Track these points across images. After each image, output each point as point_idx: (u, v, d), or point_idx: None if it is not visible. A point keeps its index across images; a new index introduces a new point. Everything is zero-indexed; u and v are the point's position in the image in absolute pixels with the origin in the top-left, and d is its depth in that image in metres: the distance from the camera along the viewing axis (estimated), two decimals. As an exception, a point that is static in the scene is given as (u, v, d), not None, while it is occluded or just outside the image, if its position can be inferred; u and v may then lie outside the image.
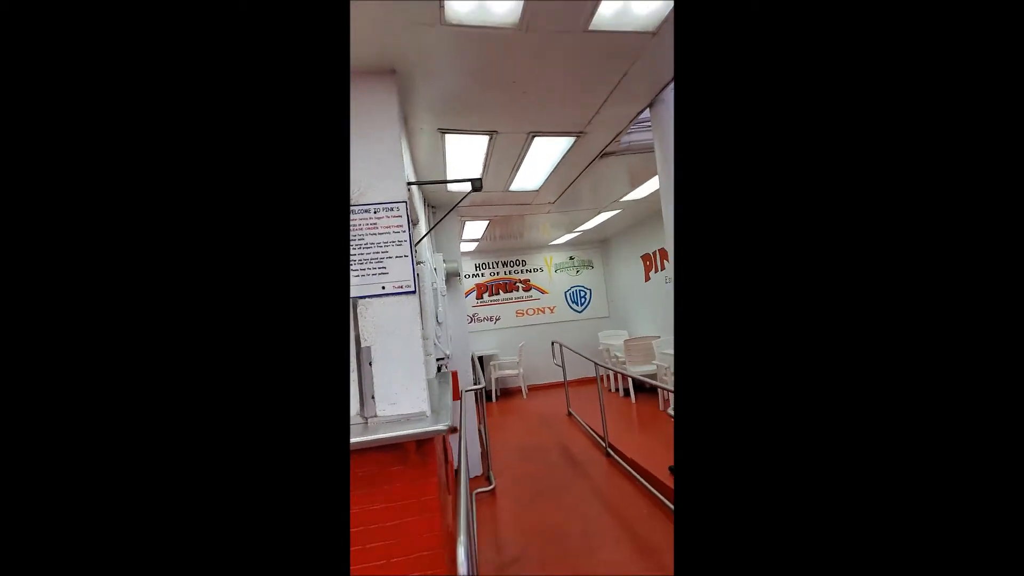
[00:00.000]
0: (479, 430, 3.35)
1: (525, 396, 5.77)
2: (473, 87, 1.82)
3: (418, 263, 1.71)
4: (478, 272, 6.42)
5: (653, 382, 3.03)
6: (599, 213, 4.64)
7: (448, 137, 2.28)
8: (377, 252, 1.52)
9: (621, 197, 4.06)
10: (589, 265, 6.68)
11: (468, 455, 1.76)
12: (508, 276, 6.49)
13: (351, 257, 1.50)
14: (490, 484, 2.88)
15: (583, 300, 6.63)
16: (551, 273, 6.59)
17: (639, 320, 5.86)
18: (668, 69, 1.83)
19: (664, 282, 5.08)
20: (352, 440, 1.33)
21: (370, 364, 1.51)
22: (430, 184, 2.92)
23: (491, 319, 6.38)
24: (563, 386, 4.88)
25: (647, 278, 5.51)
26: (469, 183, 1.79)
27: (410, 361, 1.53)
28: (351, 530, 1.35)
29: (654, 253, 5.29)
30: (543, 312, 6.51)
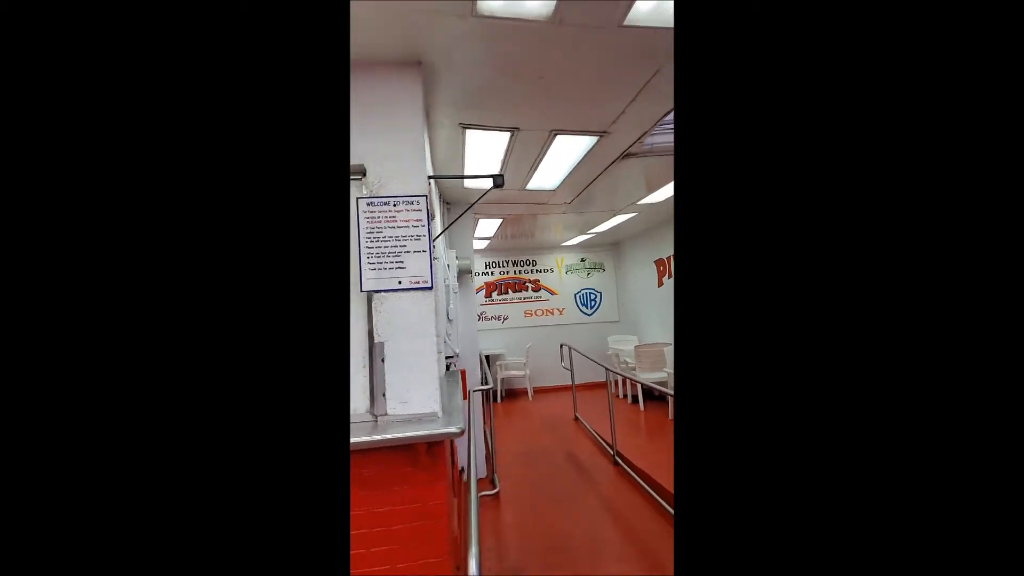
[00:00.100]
0: (484, 432, 3.31)
1: (531, 398, 5.73)
2: (498, 82, 1.77)
3: (434, 259, 1.67)
4: (488, 270, 6.38)
5: (663, 389, 2.96)
6: (615, 216, 4.57)
7: (469, 132, 2.24)
8: (395, 246, 1.48)
9: (638, 200, 3.99)
10: (600, 268, 6.61)
11: (470, 457, 1.72)
12: (518, 275, 6.44)
13: (368, 250, 1.46)
14: (494, 488, 2.83)
15: (593, 303, 6.57)
16: (561, 274, 6.53)
17: (650, 325, 5.78)
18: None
19: (677, 289, 5.00)
20: (361, 439, 1.29)
21: (382, 360, 1.47)
22: (448, 179, 2.88)
23: (499, 318, 6.34)
24: (569, 390, 4.83)
25: (660, 283, 5.43)
26: (491, 179, 1.74)
27: (424, 359, 1.48)
28: (354, 532, 1.31)
29: (668, 258, 5.21)
30: (552, 313, 6.45)
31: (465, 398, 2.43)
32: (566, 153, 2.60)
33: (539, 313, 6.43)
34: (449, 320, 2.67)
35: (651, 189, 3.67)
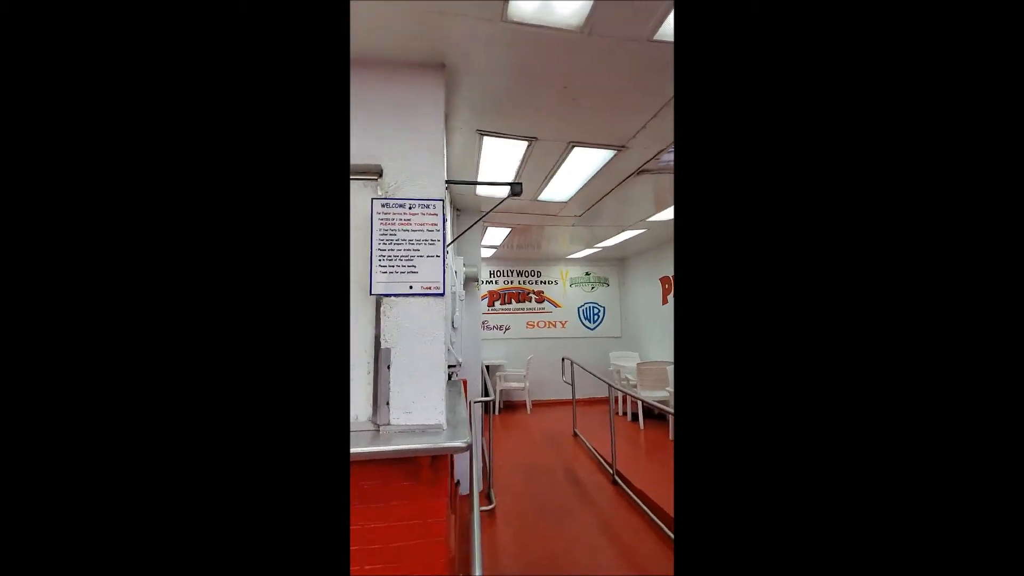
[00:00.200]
0: (483, 445, 3.24)
1: (529, 411, 5.64)
2: (520, 89, 1.75)
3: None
4: (492, 279, 6.34)
5: (665, 408, 2.90)
6: (623, 231, 4.54)
7: (485, 139, 2.21)
8: (408, 250, 1.44)
9: (647, 217, 3.97)
10: (605, 282, 6.57)
11: (474, 472, 1.65)
12: (522, 286, 6.40)
13: (380, 252, 1.42)
14: (491, 503, 2.76)
15: (596, 317, 6.51)
16: (566, 287, 6.49)
17: (652, 343, 5.72)
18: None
19: (682, 308, 4.95)
20: (362, 449, 1.23)
21: (388, 368, 1.42)
22: (463, 184, 2.85)
23: (501, 328, 6.28)
24: (567, 404, 4.75)
25: (664, 301, 5.39)
26: (508, 188, 1.70)
27: (431, 368, 1.43)
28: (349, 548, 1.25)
29: (674, 276, 5.17)
30: (554, 326, 6.39)
31: (466, 409, 2.36)
32: (582, 165, 2.58)
33: (541, 325, 6.37)
34: (454, 328, 2.61)
35: (660, 207, 3.64)
